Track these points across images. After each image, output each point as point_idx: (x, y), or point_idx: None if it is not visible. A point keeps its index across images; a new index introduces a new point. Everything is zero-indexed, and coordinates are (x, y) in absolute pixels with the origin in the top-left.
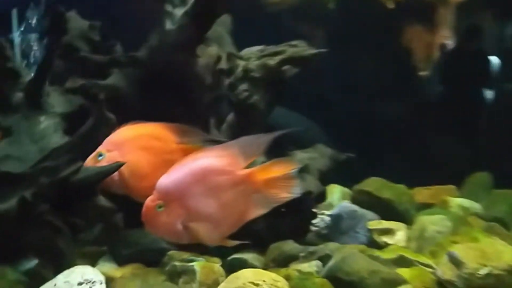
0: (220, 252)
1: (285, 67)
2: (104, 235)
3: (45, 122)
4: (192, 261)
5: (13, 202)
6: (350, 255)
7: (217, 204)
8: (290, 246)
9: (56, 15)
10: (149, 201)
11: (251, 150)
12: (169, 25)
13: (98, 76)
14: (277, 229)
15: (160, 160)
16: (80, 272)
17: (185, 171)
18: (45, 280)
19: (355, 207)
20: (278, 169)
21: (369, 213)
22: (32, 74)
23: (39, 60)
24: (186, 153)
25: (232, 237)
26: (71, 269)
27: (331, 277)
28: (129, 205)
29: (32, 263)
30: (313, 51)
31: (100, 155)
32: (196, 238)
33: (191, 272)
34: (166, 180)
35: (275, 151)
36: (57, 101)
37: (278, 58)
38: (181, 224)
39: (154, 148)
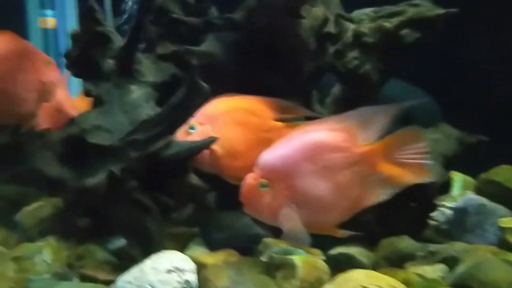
0: (321, 243)
1: (404, 31)
2: (196, 216)
3: (136, 92)
4: (290, 253)
5: (102, 176)
6: (485, 261)
7: (329, 185)
8: (405, 242)
9: None
10: (250, 179)
11: (370, 124)
12: None
13: (191, 42)
14: (389, 221)
15: (256, 138)
16: (169, 259)
17: (293, 146)
18: (134, 261)
19: (483, 200)
20: (403, 146)
21: (501, 208)
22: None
23: (130, 24)
24: (285, 131)
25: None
26: (160, 254)
27: (460, 286)
28: (221, 185)
29: (121, 242)
30: (441, 11)
31: (192, 128)
32: (302, 222)
33: (291, 267)
34: (272, 155)
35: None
36: (148, 69)
37: (396, 20)
38: (287, 207)
39: (250, 124)
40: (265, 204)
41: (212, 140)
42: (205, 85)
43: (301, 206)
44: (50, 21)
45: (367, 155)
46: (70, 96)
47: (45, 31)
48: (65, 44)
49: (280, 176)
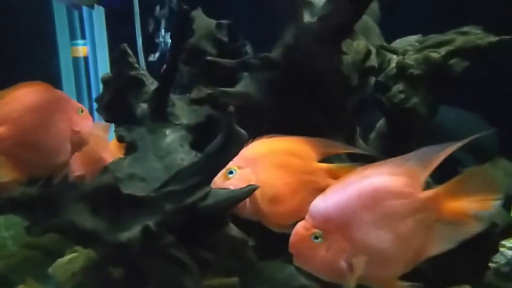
0: None
1: (453, 61)
2: (235, 266)
3: (170, 136)
4: None
5: (136, 231)
6: None
7: (390, 236)
8: None
9: (181, 14)
10: (301, 229)
11: (433, 166)
12: (307, 17)
13: (226, 82)
14: (448, 269)
15: (299, 181)
16: None
17: (350, 193)
18: None
19: None
20: (471, 189)
21: None
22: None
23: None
24: (329, 174)
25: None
26: None
27: None
28: (261, 232)
29: None
30: (493, 38)
31: (231, 172)
32: (361, 277)
33: None
34: (326, 203)
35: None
36: (182, 111)
37: (444, 50)
38: (345, 261)
39: (291, 167)
40: (319, 257)
41: (252, 188)
42: (243, 132)
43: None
44: (82, 50)
45: (432, 200)
46: (107, 142)
47: (76, 59)
48: (95, 71)
49: (335, 227)
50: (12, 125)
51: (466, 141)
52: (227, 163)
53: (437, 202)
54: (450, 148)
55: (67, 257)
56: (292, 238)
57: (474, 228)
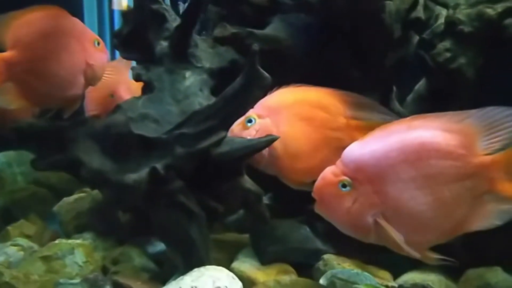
0: (391, 264)
1: (509, 20)
2: (247, 222)
3: (190, 78)
4: (356, 278)
5: (143, 173)
6: None
7: (429, 199)
8: (498, 276)
9: None
10: (329, 174)
11: (496, 129)
12: None
13: (255, 24)
14: (479, 247)
15: (323, 137)
16: (212, 276)
17: (391, 143)
18: (175, 270)
19: None
20: None
21: None
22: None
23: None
24: (357, 131)
25: None
26: (201, 269)
27: None
28: (278, 189)
29: (163, 245)
30: None
31: (250, 120)
32: (386, 241)
33: None
34: (361, 149)
35: None
36: (205, 53)
37: (501, 6)
38: (372, 217)
39: (317, 121)
40: (344, 207)
41: (272, 138)
42: (266, 75)
43: (390, 219)
44: (124, 3)
45: (486, 168)
46: (127, 80)
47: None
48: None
49: (368, 177)
50: (23, 50)
51: None
52: (247, 108)
53: (493, 171)
54: None
55: (73, 197)
56: (317, 182)
57: None
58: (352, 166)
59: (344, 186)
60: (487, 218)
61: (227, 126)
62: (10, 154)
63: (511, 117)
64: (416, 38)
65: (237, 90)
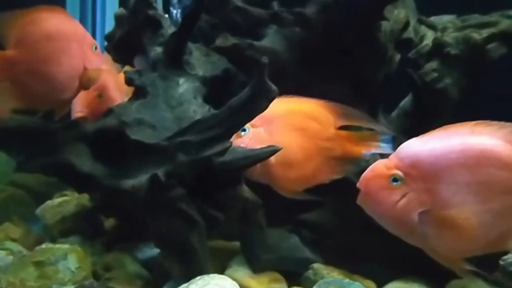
0: (375, 273)
1: (491, 45)
2: (240, 231)
3: (184, 85)
4: (347, 284)
5: (142, 179)
6: None
7: (480, 207)
8: (479, 286)
9: None
10: (382, 166)
11: None
12: None
13: (247, 34)
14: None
15: (315, 146)
16: (217, 285)
17: (452, 144)
18: (167, 276)
19: None
20: None
21: None
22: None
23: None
24: (347, 141)
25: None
26: (206, 278)
27: None
28: (270, 198)
29: (153, 251)
30: None
31: (244, 129)
32: (428, 241)
33: None
34: (420, 146)
35: None
36: (199, 61)
37: (486, 32)
38: (419, 216)
39: (309, 131)
40: (391, 201)
41: (274, 149)
42: (274, 87)
43: (438, 222)
44: None
45: None
46: (118, 82)
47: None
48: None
49: (422, 175)
50: (25, 50)
51: None
52: (252, 119)
53: None
54: None
55: (57, 200)
56: (366, 173)
57: None
58: (408, 161)
59: (395, 180)
60: None
61: (232, 135)
62: None
63: None
64: (398, 57)
65: (244, 101)
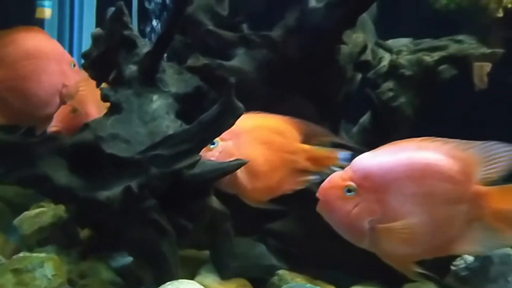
0: (337, 280)
1: (442, 67)
2: (209, 240)
3: (157, 102)
4: None
5: (116, 191)
6: None
7: (426, 217)
8: None
9: None
10: (338, 178)
11: (495, 162)
12: (314, 1)
13: (218, 55)
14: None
15: (280, 159)
16: None
17: (400, 158)
18: (140, 283)
19: (509, 251)
20: None
21: None
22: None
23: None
24: (310, 156)
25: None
26: (175, 283)
27: None
28: (237, 208)
29: (126, 259)
30: (486, 50)
31: (213, 143)
32: (378, 247)
33: None
34: (371, 159)
35: None
36: (172, 79)
37: (437, 55)
38: (369, 224)
39: (274, 144)
40: (345, 210)
41: (241, 163)
42: (240, 105)
43: (386, 229)
44: (47, 12)
45: (480, 197)
46: (96, 98)
47: (42, 21)
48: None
49: (373, 186)
50: (6, 68)
51: None
52: (220, 134)
53: (486, 201)
54: None
55: (35, 211)
56: (324, 184)
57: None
58: (361, 173)
59: (349, 191)
60: (473, 244)
61: (201, 150)
62: None
63: (509, 152)
64: (359, 76)
65: (213, 117)
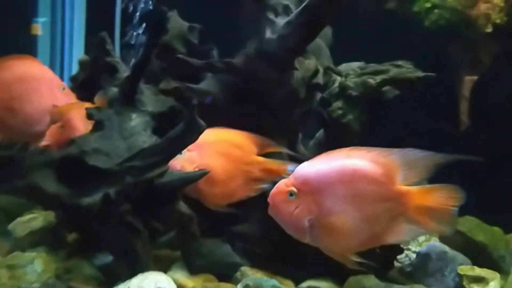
0: (294, 276)
1: (386, 88)
2: (180, 241)
3: (136, 120)
4: (264, 283)
5: (97, 197)
6: None
7: (356, 214)
8: (372, 281)
9: (159, 14)
10: (283, 184)
11: (413, 166)
12: (269, 33)
13: (191, 79)
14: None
15: (236, 169)
16: (154, 279)
17: (332, 166)
18: (119, 278)
19: (445, 248)
20: (439, 198)
21: (460, 256)
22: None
23: (137, 58)
24: (264, 167)
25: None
26: (145, 274)
27: None
28: (205, 212)
29: (108, 258)
30: (420, 74)
31: (180, 153)
32: (318, 241)
33: None
34: (308, 168)
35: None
36: (149, 99)
37: (379, 78)
38: (309, 222)
39: (232, 156)
40: (289, 212)
41: (204, 172)
42: (202, 123)
43: (323, 225)
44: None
45: (402, 196)
46: (83, 117)
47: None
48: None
49: (310, 190)
50: (2, 91)
51: (450, 156)
52: (185, 148)
53: (407, 199)
54: (434, 157)
55: (27, 217)
56: (272, 190)
57: (431, 229)
58: (300, 179)
59: (291, 194)
60: (399, 235)
61: (169, 161)
62: None
63: (425, 158)
64: (318, 96)
65: (179, 134)
